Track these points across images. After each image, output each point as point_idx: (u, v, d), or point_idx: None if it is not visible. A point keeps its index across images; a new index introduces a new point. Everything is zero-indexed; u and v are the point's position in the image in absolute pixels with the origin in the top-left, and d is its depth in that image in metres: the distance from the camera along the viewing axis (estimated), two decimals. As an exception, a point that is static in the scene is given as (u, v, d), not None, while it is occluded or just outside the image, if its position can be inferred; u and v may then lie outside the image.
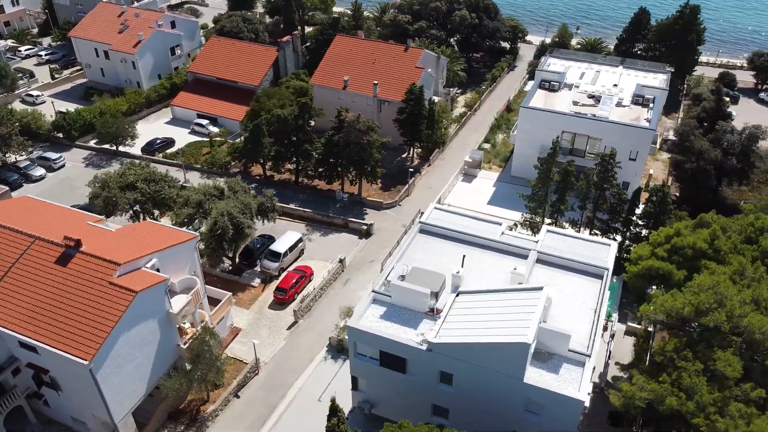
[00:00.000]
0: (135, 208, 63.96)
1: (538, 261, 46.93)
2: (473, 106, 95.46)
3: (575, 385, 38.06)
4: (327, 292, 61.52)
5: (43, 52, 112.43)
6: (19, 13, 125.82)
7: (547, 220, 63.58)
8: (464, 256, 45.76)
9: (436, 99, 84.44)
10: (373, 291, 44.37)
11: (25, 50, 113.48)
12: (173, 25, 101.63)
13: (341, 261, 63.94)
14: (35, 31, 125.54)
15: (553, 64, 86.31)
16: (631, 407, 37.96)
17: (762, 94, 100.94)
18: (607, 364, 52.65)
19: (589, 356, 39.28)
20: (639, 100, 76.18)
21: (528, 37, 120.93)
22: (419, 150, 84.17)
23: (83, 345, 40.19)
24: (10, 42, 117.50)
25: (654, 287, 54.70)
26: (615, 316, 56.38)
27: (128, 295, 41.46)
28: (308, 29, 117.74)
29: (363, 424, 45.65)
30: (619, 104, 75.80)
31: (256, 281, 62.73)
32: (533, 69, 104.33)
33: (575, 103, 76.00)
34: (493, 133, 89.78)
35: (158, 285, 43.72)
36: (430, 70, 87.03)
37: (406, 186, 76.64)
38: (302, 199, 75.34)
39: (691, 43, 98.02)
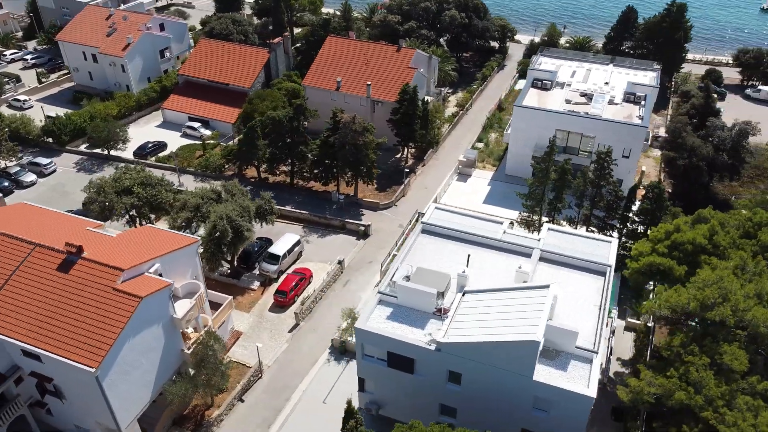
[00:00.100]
0: (131, 213, 63.39)
1: (541, 259, 47.28)
2: (465, 106, 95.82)
3: (584, 381, 38.43)
4: (327, 294, 61.43)
5: (29, 56, 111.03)
6: (3, 16, 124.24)
7: (545, 219, 64.01)
8: (469, 255, 45.93)
9: (428, 99, 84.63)
10: (378, 292, 44.39)
11: (10, 54, 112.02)
12: (162, 27, 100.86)
13: (340, 262, 63.89)
14: (20, 34, 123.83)
15: (544, 62, 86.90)
16: (640, 402, 38.36)
17: (748, 90, 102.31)
18: (608, 360, 53.12)
19: (597, 353, 39.68)
20: (630, 97, 76.97)
21: (516, 37, 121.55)
22: (413, 150, 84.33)
23: (89, 352, 39.77)
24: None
25: (651, 283, 55.61)
26: (614, 312, 56.88)
27: (133, 301, 41.11)
28: (297, 30, 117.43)
29: (370, 425, 45.56)
30: (611, 102, 76.49)
31: (255, 284, 62.47)
32: (523, 68, 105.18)
33: (568, 102, 76.58)
34: (486, 132, 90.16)
35: (162, 290, 43.41)
36: (422, 70, 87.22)
37: (402, 186, 76.73)
38: (298, 201, 75.14)
39: (678, 40, 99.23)
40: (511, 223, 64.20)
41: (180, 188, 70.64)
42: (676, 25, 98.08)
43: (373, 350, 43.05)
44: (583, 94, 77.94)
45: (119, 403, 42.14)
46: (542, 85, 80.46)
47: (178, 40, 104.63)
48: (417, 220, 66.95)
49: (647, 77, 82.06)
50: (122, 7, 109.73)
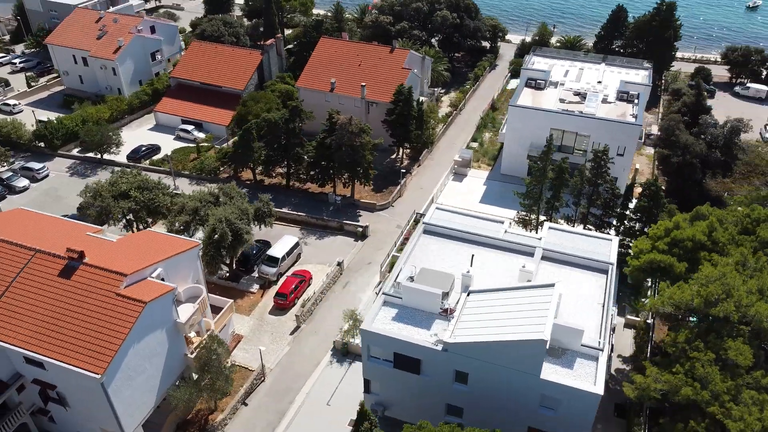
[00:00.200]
0: (128, 217, 62.94)
1: (543, 258, 47.51)
2: (458, 106, 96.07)
3: (590, 379, 38.68)
4: (327, 296, 61.34)
5: (17, 60, 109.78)
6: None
7: (542, 217, 64.35)
8: (473, 255, 46.08)
9: (423, 99, 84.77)
10: (383, 293, 44.39)
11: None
12: (153, 30, 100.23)
13: (339, 264, 63.82)
14: (7, 38, 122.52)
15: (537, 62, 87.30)
16: (646, 398, 38.69)
17: (737, 88, 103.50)
18: (609, 357, 53.44)
19: (602, 350, 39.95)
20: (624, 96, 77.53)
21: (507, 36, 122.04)
22: (408, 150, 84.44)
23: (94, 358, 39.43)
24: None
25: (650, 280, 56.10)
26: (614, 309, 57.24)
27: (138, 306, 40.81)
28: (288, 32, 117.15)
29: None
30: (604, 101, 76.99)
31: (255, 287, 62.24)
32: (515, 67, 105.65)
33: (562, 101, 77.00)
34: (480, 131, 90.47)
35: (166, 295, 43.12)
36: (416, 70, 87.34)
37: (398, 187, 76.80)
38: (294, 203, 74.97)
39: (668, 39, 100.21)
40: (509, 222, 64.43)
41: (176, 191, 70.19)
42: (665, 24, 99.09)
43: (379, 351, 43.06)
44: (577, 93, 78.43)
45: (124, 408, 41.83)
46: (536, 84, 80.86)
47: (169, 42, 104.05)
48: (416, 221, 67.05)
49: (639, 76, 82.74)
50: (111, 9, 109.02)
